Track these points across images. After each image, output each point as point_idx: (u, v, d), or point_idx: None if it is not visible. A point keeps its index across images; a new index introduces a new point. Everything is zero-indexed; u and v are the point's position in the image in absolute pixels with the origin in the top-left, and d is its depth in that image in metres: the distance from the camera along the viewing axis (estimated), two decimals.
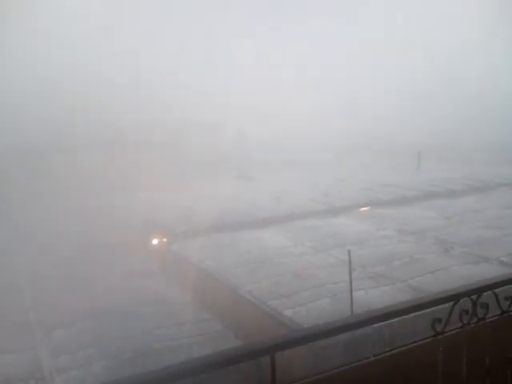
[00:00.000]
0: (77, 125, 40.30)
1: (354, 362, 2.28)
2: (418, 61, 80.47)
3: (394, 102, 67.90)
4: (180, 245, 16.42)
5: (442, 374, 2.46)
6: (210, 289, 13.21)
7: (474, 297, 2.50)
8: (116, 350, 9.33)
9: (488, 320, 2.56)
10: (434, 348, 2.43)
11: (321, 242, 15.97)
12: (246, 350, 2.05)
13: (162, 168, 32.72)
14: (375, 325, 2.40)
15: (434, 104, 65.45)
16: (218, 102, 55.32)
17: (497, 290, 2.60)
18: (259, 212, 20.45)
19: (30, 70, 53.72)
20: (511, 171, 28.91)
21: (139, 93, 52.82)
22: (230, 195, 24.99)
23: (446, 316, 2.45)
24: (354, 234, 16.81)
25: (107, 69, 58.11)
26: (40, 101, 44.47)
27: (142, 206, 22.76)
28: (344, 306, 9.80)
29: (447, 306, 2.46)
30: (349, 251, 10.20)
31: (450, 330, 2.47)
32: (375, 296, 10.98)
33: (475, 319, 2.52)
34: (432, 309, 2.46)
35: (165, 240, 17.37)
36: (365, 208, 21.34)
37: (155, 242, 17.71)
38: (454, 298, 2.46)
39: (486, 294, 2.56)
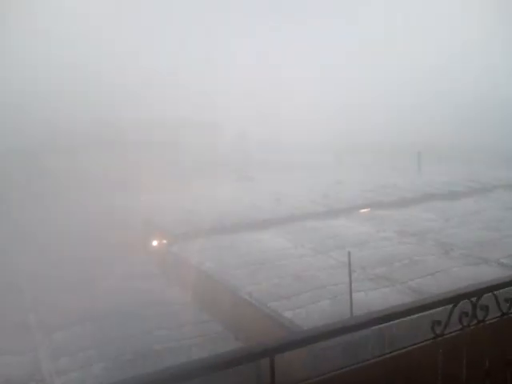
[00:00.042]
0: (77, 125, 40.36)
1: (353, 364, 2.28)
2: (418, 61, 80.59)
3: (393, 102, 67.94)
4: (180, 246, 16.42)
5: (441, 376, 2.45)
6: (209, 290, 13.20)
7: (473, 299, 2.50)
8: (116, 351, 9.33)
9: (488, 322, 2.56)
10: (434, 350, 2.42)
11: (321, 243, 15.96)
12: (246, 353, 2.04)
13: (162, 168, 32.75)
14: (375, 327, 2.40)
15: (434, 104, 65.48)
16: (218, 102, 55.39)
17: (497, 292, 2.60)
18: (259, 213, 20.45)
19: (29, 70, 53.82)
20: (510, 173, 28.90)
21: (139, 93, 52.90)
22: (230, 196, 24.99)
23: (445, 318, 2.45)
24: (353, 235, 16.82)
25: (107, 69, 58.21)
26: (40, 101, 44.52)
27: (142, 206, 22.75)
28: (344, 307, 9.80)
29: (447, 308, 2.46)
30: (349, 253, 10.19)
31: (450, 332, 2.46)
32: (375, 298, 10.98)
33: (475, 321, 2.51)
34: (432, 311, 2.45)
35: (165, 241, 17.37)
36: (365, 210, 21.33)
37: (155, 243, 17.71)
38: (454, 300, 2.45)
39: (485, 295, 2.55)
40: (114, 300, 11.87)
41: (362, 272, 12.70)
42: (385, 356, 2.35)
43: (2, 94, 43.78)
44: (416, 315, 2.43)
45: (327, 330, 2.16)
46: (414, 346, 2.44)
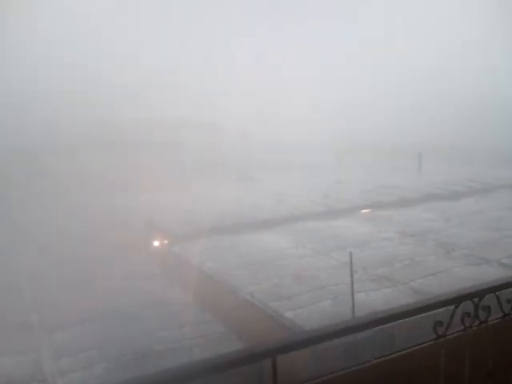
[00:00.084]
0: (77, 125, 40.35)
1: (355, 365, 2.28)
2: (418, 61, 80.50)
3: (393, 102, 67.88)
4: (181, 246, 16.42)
5: (444, 377, 2.46)
6: (211, 291, 13.21)
7: (475, 299, 2.50)
8: (118, 351, 9.33)
9: (490, 323, 2.56)
10: (436, 351, 2.43)
11: (322, 243, 15.96)
12: (248, 353, 2.05)
13: (162, 168, 32.72)
14: (377, 327, 2.40)
15: (434, 104, 65.43)
16: (218, 102, 55.34)
17: (499, 293, 2.60)
18: (260, 214, 20.44)
19: (29, 70, 53.79)
20: (511, 173, 28.89)
21: (139, 93, 52.88)
22: (230, 196, 24.97)
23: (447, 319, 2.45)
24: (354, 235, 16.81)
25: (107, 69, 58.19)
26: (40, 101, 44.51)
27: (143, 206, 22.74)
28: (345, 308, 9.80)
29: (449, 308, 2.46)
30: (350, 253, 10.19)
31: (452, 333, 2.47)
32: (377, 298, 10.98)
33: (477, 322, 2.52)
34: (434, 312, 2.45)
35: (166, 242, 17.37)
36: (366, 210, 21.33)
37: (156, 243, 17.71)
38: (456, 300, 2.45)
39: (487, 296, 2.56)
40: (115, 300, 11.86)
41: (363, 272, 12.70)
42: (387, 357, 2.36)
43: (2, 94, 43.78)
44: (418, 316, 2.44)
45: (329, 331, 2.17)
46: (416, 347, 2.44)
